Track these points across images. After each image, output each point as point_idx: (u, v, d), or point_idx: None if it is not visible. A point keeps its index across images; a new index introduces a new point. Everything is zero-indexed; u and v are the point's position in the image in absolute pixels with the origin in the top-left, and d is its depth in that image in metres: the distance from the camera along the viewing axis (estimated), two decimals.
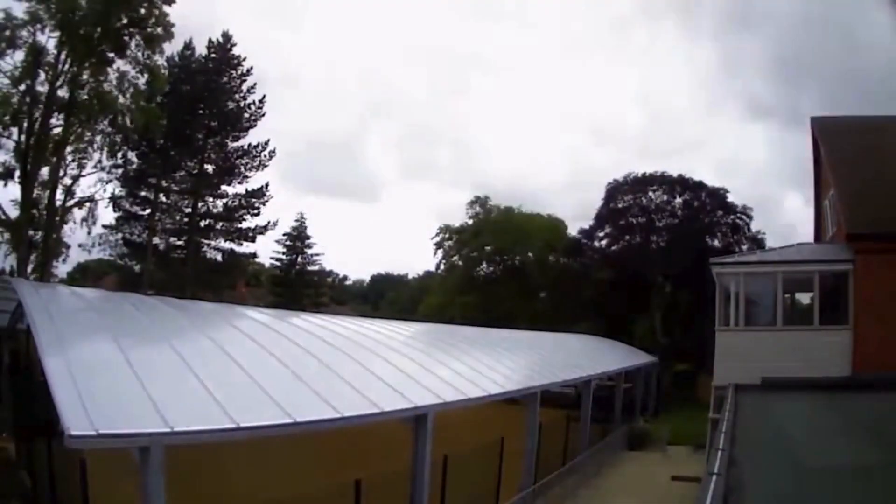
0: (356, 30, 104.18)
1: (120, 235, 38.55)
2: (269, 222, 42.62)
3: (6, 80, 26.46)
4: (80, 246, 33.08)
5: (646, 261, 37.58)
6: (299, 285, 50.11)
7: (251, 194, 41.51)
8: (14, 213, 27.54)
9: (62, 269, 32.87)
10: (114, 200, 35.68)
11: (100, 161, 30.73)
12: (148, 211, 39.36)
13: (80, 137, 29.36)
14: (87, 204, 30.97)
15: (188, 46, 40.18)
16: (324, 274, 57.37)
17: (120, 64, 28.98)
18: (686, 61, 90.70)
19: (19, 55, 26.64)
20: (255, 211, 41.66)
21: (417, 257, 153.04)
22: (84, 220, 31.17)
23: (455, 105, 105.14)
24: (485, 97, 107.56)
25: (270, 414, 7.08)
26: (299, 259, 50.79)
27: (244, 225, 41.70)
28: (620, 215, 40.23)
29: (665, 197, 39.84)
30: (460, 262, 48.80)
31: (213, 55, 40.98)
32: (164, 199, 39.91)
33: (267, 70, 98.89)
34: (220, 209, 41.33)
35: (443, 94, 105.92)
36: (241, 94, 41.20)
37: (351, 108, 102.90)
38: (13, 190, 27.76)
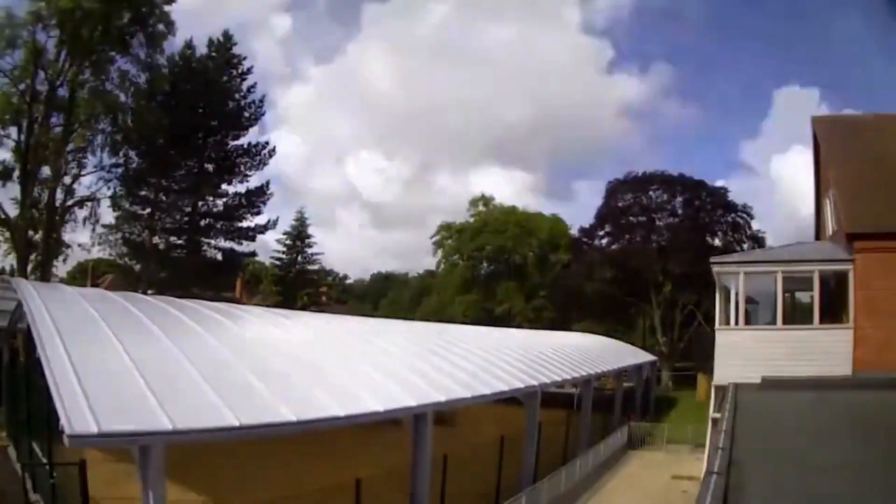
0: None
1: (120, 235, 38.52)
2: (269, 221, 42.65)
3: (6, 80, 26.51)
4: (79, 245, 33.09)
5: (646, 260, 37.61)
6: (299, 284, 50.10)
7: (251, 193, 41.49)
8: (14, 212, 27.59)
9: (62, 268, 32.93)
10: (113, 200, 35.68)
11: (100, 160, 30.79)
12: (148, 210, 39.33)
13: (81, 136, 29.36)
14: (89, 203, 31.03)
15: (189, 45, 40.08)
16: (324, 273, 57.38)
17: (121, 63, 29.07)
18: None
19: (19, 54, 26.70)
20: (256, 210, 41.66)
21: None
22: (87, 218, 31.25)
23: None
24: None
25: (271, 413, 7.09)
26: (299, 258, 50.77)
27: (244, 224, 41.71)
28: (621, 214, 40.27)
29: (665, 196, 39.88)
30: (461, 262, 48.87)
31: (213, 54, 40.91)
32: (163, 198, 39.87)
33: None
34: (220, 208, 41.31)
35: None
36: (241, 94, 41.15)
37: None
38: (13, 189, 27.83)
